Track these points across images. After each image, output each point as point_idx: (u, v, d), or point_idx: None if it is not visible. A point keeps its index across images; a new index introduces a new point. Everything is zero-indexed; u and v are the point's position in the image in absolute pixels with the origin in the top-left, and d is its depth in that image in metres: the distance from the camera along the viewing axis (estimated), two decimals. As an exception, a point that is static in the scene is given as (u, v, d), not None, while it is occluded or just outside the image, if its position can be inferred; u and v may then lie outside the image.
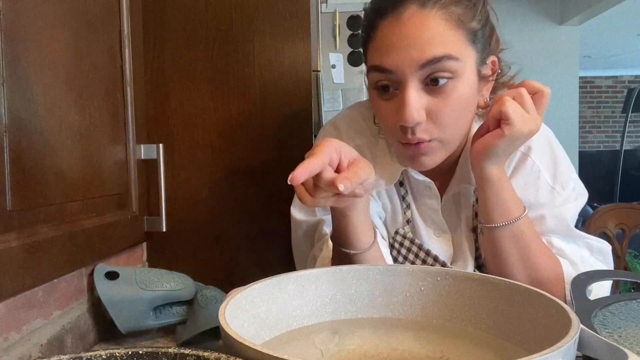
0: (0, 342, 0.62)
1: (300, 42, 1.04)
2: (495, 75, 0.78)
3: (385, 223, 0.87)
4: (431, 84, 0.69)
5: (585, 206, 0.85)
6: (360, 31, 0.81)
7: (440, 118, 0.70)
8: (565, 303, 0.46)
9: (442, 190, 0.85)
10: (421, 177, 0.83)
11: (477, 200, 0.85)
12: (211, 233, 1.07)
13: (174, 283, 0.85)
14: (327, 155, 0.57)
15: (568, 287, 0.74)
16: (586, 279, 0.62)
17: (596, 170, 5.37)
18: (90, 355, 0.39)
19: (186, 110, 1.06)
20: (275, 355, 0.35)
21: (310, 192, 0.58)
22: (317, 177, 0.57)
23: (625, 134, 4.94)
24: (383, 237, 0.84)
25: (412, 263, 0.84)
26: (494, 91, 0.79)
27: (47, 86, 0.68)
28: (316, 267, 0.72)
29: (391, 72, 0.69)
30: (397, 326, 0.56)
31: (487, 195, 0.75)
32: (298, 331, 0.55)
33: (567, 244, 0.80)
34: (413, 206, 0.86)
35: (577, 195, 0.82)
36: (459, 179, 0.83)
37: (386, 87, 0.72)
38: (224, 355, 0.38)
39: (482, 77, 0.74)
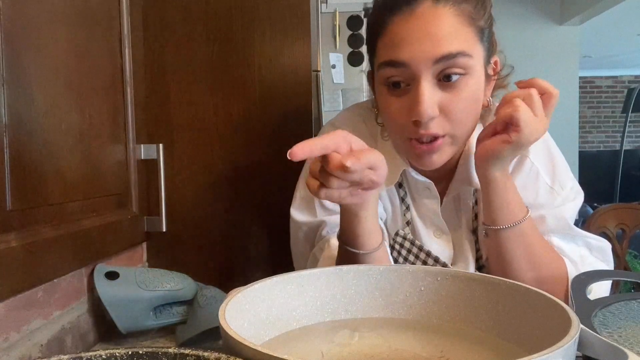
0: (0, 342, 0.62)
1: (300, 42, 1.04)
2: (496, 75, 0.79)
3: (385, 224, 0.87)
4: (444, 80, 0.69)
5: (585, 206, 0.86)
6: (365, 29, 0.80)
7: (452, 114, 0.70)
8: (568, 301, 0.46)
9: (441, 191, 0.85)
10: (421, 178, 0.83)
11: (476, 201, 0.85)
12: (211, 233, 1.07)
13: (174, 283, 0.85)
14: (332, 141, 0.56)
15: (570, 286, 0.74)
16: (586, 279, 0.62)
17: (596, 170, 5.37)
18: (90, 355, 0.39)
19: (186, 110, 1.06)
20: (275, 355, 0.35)
21: (323, 183, 0.57)
22: (326, 163, 0.56)
23: (625, 134, 4.94)
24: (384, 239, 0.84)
25: (413, 264, 0.84)
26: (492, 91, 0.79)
27: (47, 86, 0.68)
28: (317, 267, 0.72)
29: (405, 66, 0.69)
30: (397, 326, 0.56)
31: (492, 198, 0.74)
32: (298, 331, 0.55)
33: (566, 243, 0.81)
34: (412, 207, 0.86)
35: (575, 194, 0.83)
36: (459, 181, 0.83)
37: (397, 84, 0.71)
38: (224, 355, 0.38)
39: (487, 76, 0.75)
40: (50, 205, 0.69)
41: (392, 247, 0.86)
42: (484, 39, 0.72)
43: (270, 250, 1.06)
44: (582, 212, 0.87)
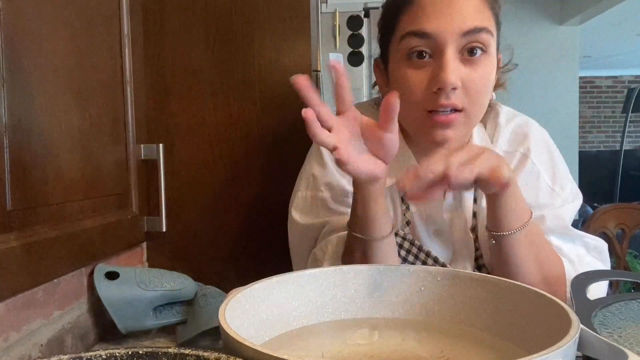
0: (0, 342, 0.62)
1: (300, 42, 1.04)
2: (500, 69, 0.79)
3: None
4: (467, 54, 0.71)
5: (585, 206, 0.86)
6: (383, 4, 0.81)
7: (471, 88, 0.72)
8: (567, 301, 0.46)
9: None
10: None
11: (475, 200, 0.85)
12: (211, 233, 1.07)
13: (174, 283, 0.85)
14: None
15: (568, 285, 0.74)
16: (586, 279, 0.62)
17: (596, 170, 5.37)
18: (90, 355, 0.39)
19: (186, 110, 1.06)
20: (275, 355, 0.35)
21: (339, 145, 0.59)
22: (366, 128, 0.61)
23: (625, 134, 4.94)
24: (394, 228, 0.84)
25: (412, 264, 0.84)
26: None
27: (47, 86, 0.68)
28: (319, 267, 0.72)
29: (431, 37, 0.71)
30: (397, 326, 0.56)
31: (501, 202, 0.70)
32: (298, 331, 0.55)
33: (564, 243, 0.81)
34: (411, 207, 0.86)
35: (574, 196, 0.84)
36: None
37: (421, 54, 0.72)
38: (224, 355, 0.38)
39: (497, 64, 0.77)
40: (50, 205, 0.69)
41: None
42: (498, 27, 0.75)
43: (270, 250, 1.06)
44: (582, 212, 0.87)
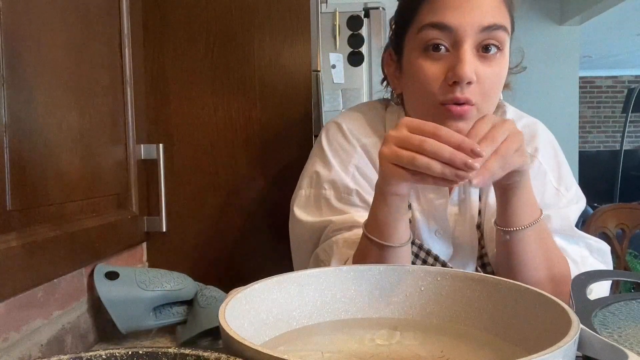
0: (0, 342, 0.62)
1: (300, 42, 1.04)
2: (509, 71, 0.80)
3: None
4: (482, 50, 0.72)
5: (585, 206, 0.86)
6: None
7: (484, 84, 0.72)
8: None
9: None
10: None
11: (480, 197, 0.84)
12: (211, 233, 1.07)
13: (174, 283, 0.85)
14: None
15: None
16: (586, 279, 0.62)
17: (596, 170, 5.37)
18: (90, 355, 0.39)
19: (186, 110, 1.06)
20: (275, 355, 0.35)
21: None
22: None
23: (625, 134, 4.94)
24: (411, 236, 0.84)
25: (412, 263, 0.84)
26: None
27: (47, 86, 0.68)
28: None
29: (451, 30, 0.71)
30: (397, 326, 0.56)
31: (514, 198, 0.70)
32: (298, 331, 0.55)
33: (568, 244, 0.81)
34: (415, 205, 0.86)
35: (578, 198, 0.84)
36: None
37: (438, 47, 0.73)
38: (224, 355, 0.38)
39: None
40: (50, 205, 0.69)
41: None
42: (511, 27, 0.76)
43: (271, 250, 1.06)
44: (582, 212, 0.87)
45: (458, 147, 0.57)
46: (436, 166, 0.57)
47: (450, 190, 0.84)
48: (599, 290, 0.73)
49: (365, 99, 2.04)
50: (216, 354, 0.38)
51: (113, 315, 0.80)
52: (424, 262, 0.83)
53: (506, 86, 0.83)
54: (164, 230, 1.03)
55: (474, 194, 0.84)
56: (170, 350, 0.40)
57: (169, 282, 0.85)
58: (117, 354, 0.39)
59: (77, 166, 0.76)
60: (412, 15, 0.76)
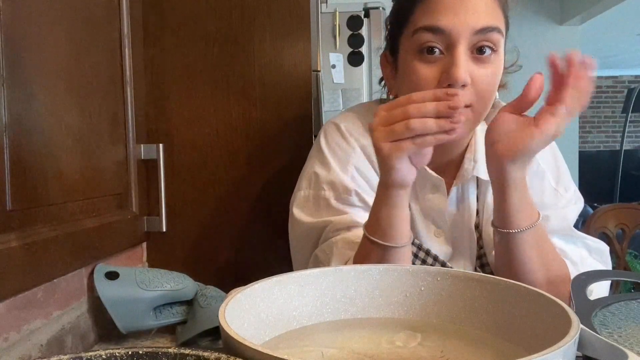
0: (0, 342, 0.62)
1: (300, 42, 1.04)
2: (505, 71, 0.80)
3: None
4: (476, 52, 0.72)
5: (585, 206, 0.86)
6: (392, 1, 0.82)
7: (479, 86, 0.72)
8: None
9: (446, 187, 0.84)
10: (433, 173, 0.82)
11: (477, 197, 0.85)
12: (211, 233, 1.07)
13: (174, 283, 0.85)
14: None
15: None
16: (586, 279, 0.62)
17: (596, 170, 5.37)
18: (90, 355, 0.39)
19: (186, 110, 1.06)
20: (275, 355, 0.35)
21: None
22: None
23: (625, 134, 4.93)
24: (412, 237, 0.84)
25: (412, 263, 0.84)
26: None
27: (47, 86, 0.68)
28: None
29: (445, 33, 0.71)
30: (397, 326, 0.56)
31: (511, 200, 0.70)
32: (298, 331, 0.55)
33: (567, 245, 0.81)
34: (413, 205, 0.86)
35: (576, 199, 0.85)
36: (464, 176, 0.83)
37: (432, 50, 0.73)
38: (224, 355, 0.38)
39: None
40: (50, 205, 0.69)
41: None
42: (506, 27, 0.76)
43: (270, 250, 1.06)
44: (582, 212, 0.87)
45: (435, 99, 0.62)
46: (429, 122, 0.61)
47: (448, 190, 0.84)
48: (599, 290, 0.73)
49: (365, 99, 2.04)
50: (216, 354, 0.38)
51: (113, 315, 0.80)
52: (423, 261, 0.83)
53: (502, 86, 0.83)
54: (164, 230, 1.03)
55: (472, 194, 0.84)
56: (170, 350, 0.40)
57: (169, 282, 0.85)
58: (117, 354, 0.39)
59: (77, 166, 0.76)
60: (406, 17, 0.76)
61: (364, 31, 2.02)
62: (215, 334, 0.82)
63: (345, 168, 0.83)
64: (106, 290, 0.81)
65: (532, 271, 0.73)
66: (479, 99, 0.73)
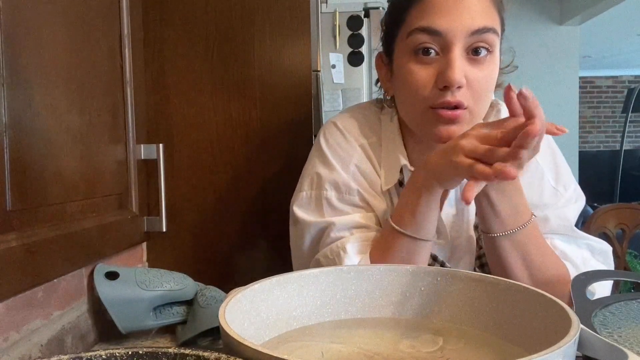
0: (0, 342, 0.62)
1: (300, 42, 1.04)
2: (501, 71, 0.80)
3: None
4: (472, 53, 0.72)
5: (585, 206, 0.86)
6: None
7: (475, 87, 0.72)
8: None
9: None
10: None
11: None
12: (211, 233, 1.07)
13: (174, 283, 0.85)
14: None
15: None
16: (586, 279, 0.62)
17: (596, 170, 5.37)
18: (90, 355, 0.39)
19: (186, 110, 1.06)
20: (275, 355, 0.35)
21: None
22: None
23: (625, 134, 4.94)
24: None
25: (412, 263, 0.84)
26: None
27: (47, 86, 0.68)
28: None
29: (440, 34, 0.71)
30: (397, 326, 0.56)
31: (484, 208, 0.72)
32: (298, 331, 0.55)
33: (569, 246, 0.80)
34: None
35: (577, 197, 0.84)
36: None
37: (427, 51, 0.73)
38: (224, 355, 0.38)
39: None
40: (50, 205, 0.69)
41: None
42: (502, 27, 0.76)
43: (271, 250, 1.06)
44: (582, 212, 0.87)
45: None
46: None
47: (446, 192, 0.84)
48: (601, 290, 0.73)
49: (365, 99, 2.04)
50: (216, 354, 0.38)
51: (113, 315, 0.80)
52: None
53: (499, 86, 0.83)
54: (164, 230, 1.03)
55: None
56: (170, 350, 0.40)
57: (169, 282, 0.85)
58: (117, 354, 0.39)
59: (77, 166, 0.76)
60: (401, 19, 0.76)
61: (364, 31, 2.02)
62: (215, 334, 0.82)
63: (346, 167, 0.83)
64: (106, 290, 0.81)
65: (514, 274, 0.74)
66: (474, 100, 0.73)
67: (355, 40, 2.01)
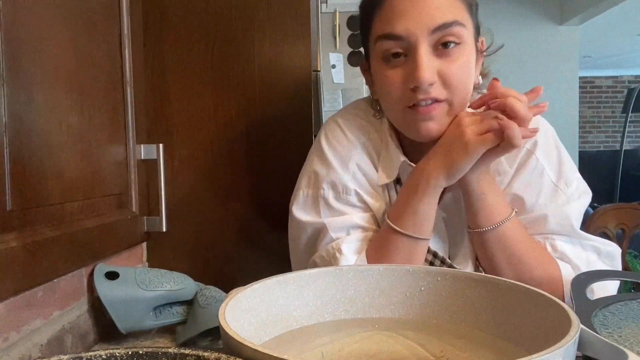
0: (0, 342, 0.62)
1: (300, 42, 1.04)
2: (483, 53, 0.81)
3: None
4: (441, 47, 0.72)
5: (589, 201, 0.84)
6: (359, 7, 0.83)
7: (449, 79, 0.73)
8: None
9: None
10: None
11: None
12: (211, 233, 1.07)
13: (174, 283, 0.85)
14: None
15: (568, 289, 0.73)
16: (586, 279, 0.62)
17: (596, 170, 5.36)
18: (90, 355, 0.39)
19: (186, 110, 1.06)
20: (275, 355, 0.35)
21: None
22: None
23: (625, 134, 4.93)
24: None
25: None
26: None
27: (47, 86, 0.68)
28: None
29: (402, 38, 0.72)
30: (397, 326, 0.56)
31: (469, 201, 0.76)
32: (298, 331, 0.55)
33: (571, 247, 0.79)
34: None
35: (580, 193, 0.81)
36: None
37: (396, 54, 0.74)
38: (224, 355, 0.38)
39: (477, 51, 0.78)
40: (50, 205, 0.69)
41: None
42: (472, 12, 0.76)
43: (271, 250, 1.06)
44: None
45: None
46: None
47: (443, 191, 0.84)
48: (606, 293, 0.72)
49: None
50: (216, 354, 0.38)
51: (113, 315, 0.80)
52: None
53: (484, 75, 0.83)
54: (164, 230, 1.03)
55: None
56: (170, 350, 0.40)
57: (169, 282, 0.85)
58: (117, 354, 0.39)
59: (77, 166, 0.76)
60: (368, 26, 0.78)
61: (364, 31, 2.02)
62: (215, 334, 0.82)
63: (346, 166, 0.82)
64: (106, 290, 0.81)
65: (499, 271, 0.76)
66: (451, 91, 0.73)
67: (355, 40, 2.01)
